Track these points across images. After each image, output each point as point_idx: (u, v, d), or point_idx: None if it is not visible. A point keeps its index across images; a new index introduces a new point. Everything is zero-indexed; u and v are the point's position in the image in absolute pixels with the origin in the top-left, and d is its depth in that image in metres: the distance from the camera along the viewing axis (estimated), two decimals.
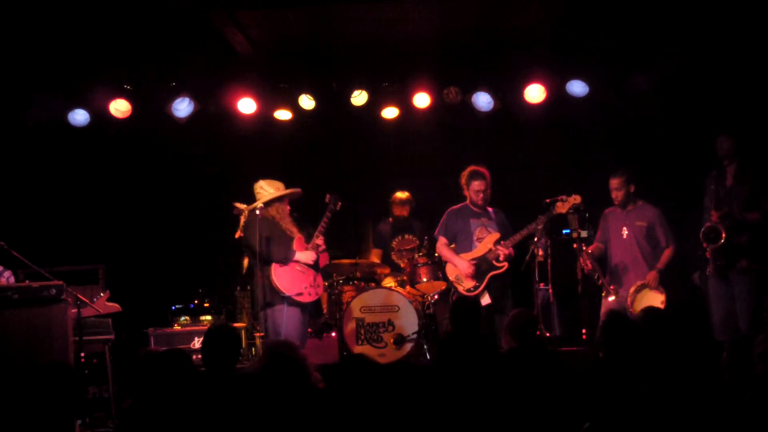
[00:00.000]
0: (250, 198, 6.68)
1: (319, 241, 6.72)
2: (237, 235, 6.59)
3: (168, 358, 4.28)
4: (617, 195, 7.03)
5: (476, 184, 7.15)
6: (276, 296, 6.45)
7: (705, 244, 6.47)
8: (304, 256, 6.61)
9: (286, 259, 6.54)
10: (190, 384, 4.25)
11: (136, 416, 4.00)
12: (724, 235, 6.34)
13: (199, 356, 7.00)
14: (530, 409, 3.93)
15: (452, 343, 4.10)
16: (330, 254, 7.18)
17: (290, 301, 6.45)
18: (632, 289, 6.85)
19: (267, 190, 6.68)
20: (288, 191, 6.73)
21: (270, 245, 6.50)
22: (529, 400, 4.00)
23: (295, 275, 6.56)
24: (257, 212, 6.44)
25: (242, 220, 6.52)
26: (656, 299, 6.75)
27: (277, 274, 6.50)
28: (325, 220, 6.81)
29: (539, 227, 7.08)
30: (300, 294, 6.52)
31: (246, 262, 6.63)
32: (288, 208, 6.76)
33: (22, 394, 3.51)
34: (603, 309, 6.97)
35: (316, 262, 6.69)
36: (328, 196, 6.92)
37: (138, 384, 4.18)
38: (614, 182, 7.03)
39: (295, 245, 6.62)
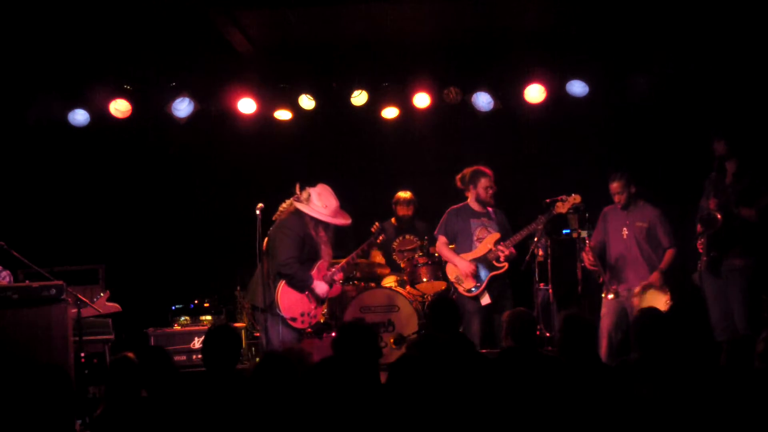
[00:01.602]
0: (251, 197, 6.65)
1: (338, 277, 6.57)
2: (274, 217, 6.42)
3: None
4: (620, 198, 7.02)
5: (485, 181, 7.14)
6: (274, 309, 6.29)
7: (700, 228, 6.46)
8: (320, 289, 6.41)
9: (302, 290, 6.37)
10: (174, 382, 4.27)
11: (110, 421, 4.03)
12: (720, 219, 6.32)
13: (199, 356, 7.08)
14: (524, 410, 3.93)
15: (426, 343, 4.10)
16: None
17: (283, 320, 6.31)
18: (637, 290, 6.85)
19: (315, 202, 6.36)
20: (336, 221, 6.43)
21: (295, 269, 6.27)
22: (524, 400, 4.00)
23: (299, 299, 6.38)
24: (257, 212, 6.33)
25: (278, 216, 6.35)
26: (660, 300, 6.75)
27: (283, 291, 6.32)
28: (359, 252, 6.72)
29: (539, 227, 7.08)
30: (294, 319, 6.34)
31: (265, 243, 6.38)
32: (327, 236, 6.43)
33: (19, 397, 3.53)
34: (603, 309, 6.97)
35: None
36: (376, 224, 6.89)
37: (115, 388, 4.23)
38: (615, 186, 7.02)
39: (315, 269, 6.43)
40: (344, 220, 6.52)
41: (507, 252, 7.04)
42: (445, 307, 5.23)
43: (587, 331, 4.48)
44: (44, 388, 3.54)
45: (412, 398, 3.48)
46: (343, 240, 7.67)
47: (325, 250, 6.46)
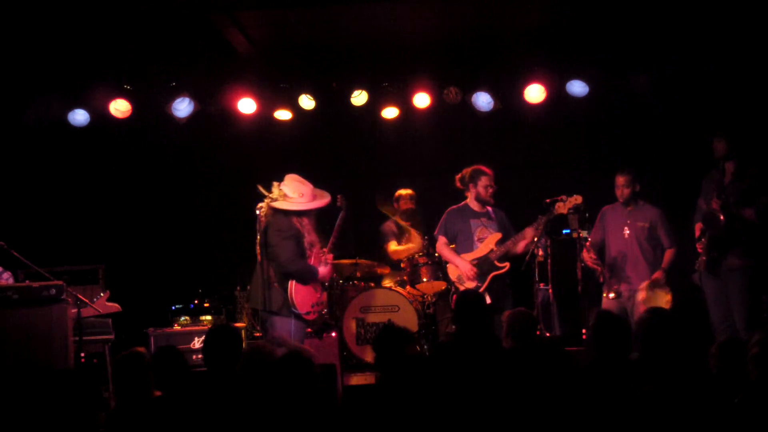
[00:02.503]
0: (251, 197, 6.64)
1: (329, 258, 6.56)
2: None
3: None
4: (623, 192, 7.02)
5: (485, 180, 7.13)
6: (285, 308, 6.25)
7: (701, 228, 6.47)
8: (323, 271, 6.41)
9: (309, 281, 6.33)
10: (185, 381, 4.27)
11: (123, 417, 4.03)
12: (723, 220, 6.33)
13: (200, 356, 7.09)
14: (530, 409, 3.93)
15: (457, 342, 4.09)
16: (343, 237, 7.04)
17: (297, 316, 6.29)
18: (642, 287, 6.84)
19: (290, 195, 6.31)
20: (318, 204, 6.37)
21: (301, 265, 6.26)
22: (529, 400, 4.00)
23: (309, 292, 6.37)
24: (257, 212, 6.29)
25: (263, 219, 6.28)
26: (662, 299, 6.76)
27: (296, 290, 6.27)
28: (337, 229, 6.67)
29: (539, 227, 7.07)
30: (308, 313, 6.34)
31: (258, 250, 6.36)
32: (311, 222, 6.39)
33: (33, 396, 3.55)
34: (603, 308, 6.97)
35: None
36: (339, 198, 6.74)
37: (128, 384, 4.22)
38: (621, 179, 7.02)
39: (312, 261, 6.41)
40: (324, 199, 6.47)
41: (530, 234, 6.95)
42: (473, 303, 5.20)
43: (621, 329, 4.44)
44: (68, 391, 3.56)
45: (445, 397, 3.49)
46: (343, 241, 7.67)
47: (309, 238, 6.40)
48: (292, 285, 6.27)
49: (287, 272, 6.24)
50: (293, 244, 6.27)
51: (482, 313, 5.14)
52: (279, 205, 6.29)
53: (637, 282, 6.91)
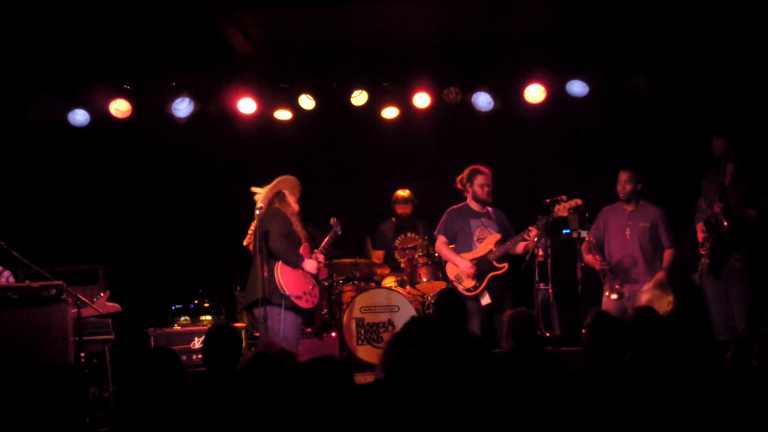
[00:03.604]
0: (251, 198, 6.66)
1: (321, 258, 6.72)
2: (246, 242, 6.57)
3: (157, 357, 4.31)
4: (625, 188, 6.99)
5: (481, 179, 7.13)
6: (275, 295, 6.34)
7: (703, 229, 6.47)
8: (310, 265, 6.56)
9: (295, 265, 6.49)
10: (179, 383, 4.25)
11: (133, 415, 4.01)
12: (725, 224, 6.33)
13: (200, 356, 7.08)
14: (526, 410, 3.92)
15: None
16: (330, 254, 7.17)
17: (288, 303, 6.35)
18: (647, 286, 6.83)
19: (261, 191, 6.61)
20: (278, 183, 6.61)
21: (286, 244, 6.44)
22: (527, 400, 3.99)
23: (298, 278, 6.48)
24: (257, 212, 6.39)
25: (253, 225, 6.47)
26: (664, 299, 6.75)
27: (283, 272, 6.40)
28: (327, 241, 6.87)
29: (539, 228, 7.06)
30: (299, 297, 6.42)
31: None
32: (295, 207, 6.65)
33: (30, 394, 3.53)
34: (603, 307, 6.97)
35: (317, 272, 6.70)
36: (333, 219, 6.96)
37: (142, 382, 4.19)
38: (624, 175, 7.00)
39: (301, 251, 6.57)
40: (284, 180, 6.71)
41: (536, 232, 6.95)
42: (452, 301, 5.19)
43: (617, 329, 4.42)
44: (57, 387, 3.54)
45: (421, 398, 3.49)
46: (343, 241, 7.67)
47: (299, 229, 6.62)
48: (278, 267, 6.39)
49: (273, 250, 6.38)
50: (280, 224, 6.45)
51: (461, 312, 5.14)
52: (262, 202, 6.51)
53: (638, 282, 6.91)
